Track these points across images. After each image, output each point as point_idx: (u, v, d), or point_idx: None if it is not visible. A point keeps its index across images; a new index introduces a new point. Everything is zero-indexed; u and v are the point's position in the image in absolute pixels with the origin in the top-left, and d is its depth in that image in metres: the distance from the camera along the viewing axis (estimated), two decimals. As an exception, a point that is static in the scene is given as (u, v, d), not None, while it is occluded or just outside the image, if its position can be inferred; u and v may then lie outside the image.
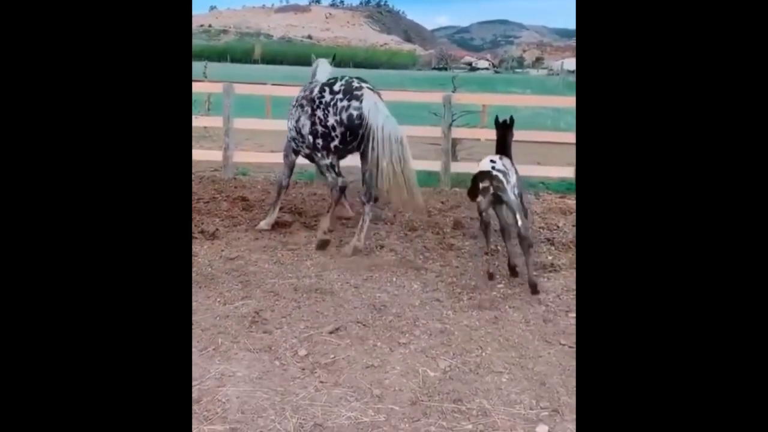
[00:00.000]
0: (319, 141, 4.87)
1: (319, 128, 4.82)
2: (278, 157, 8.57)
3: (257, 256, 4.63)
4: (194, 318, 3.44)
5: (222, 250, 4.74)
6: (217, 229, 5.29)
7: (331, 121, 4.74)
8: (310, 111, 4.86)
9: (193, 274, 4.17)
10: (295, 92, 5.99)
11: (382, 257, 4.76)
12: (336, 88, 4.81)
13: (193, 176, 7.90)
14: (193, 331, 3.28)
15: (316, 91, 4.90)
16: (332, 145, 4.86)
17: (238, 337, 3.25)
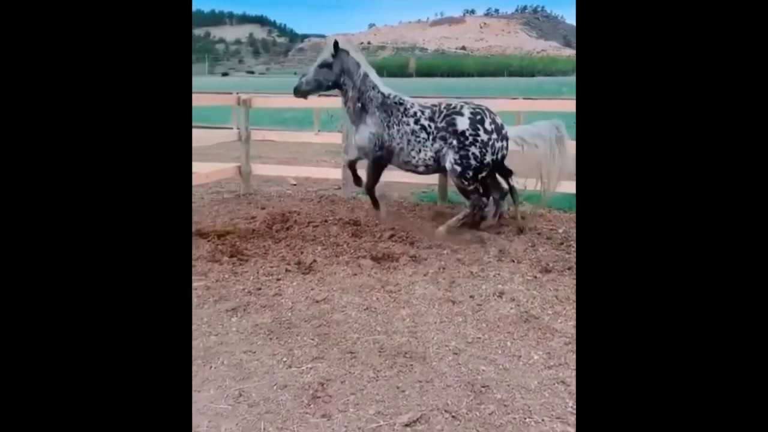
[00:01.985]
0: (470, 173, 5.40)
1: (473, 162, 5.36)
2: (403, 175, 8.00)
3: (348, 299, 3.95)
4: (245, 386, 2.83)
5: (311, 289, 4.14)
6: (314, 261, 4.72)
7: (488, 159, 5.40)
8: (457, 145, 5.35)
9: (269, 320, 3.60)
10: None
11: (498, 309, 3.80)
12: (487, 127, 5.37)
13: (313, 195, 7.56)
14: (237, 406, 2.66)
15: (460, 125, 5.36)
16: (480, 176, 5.51)
17: (287, 421, 2.55)
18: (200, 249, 4.98)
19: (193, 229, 5.67)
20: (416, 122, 5.51)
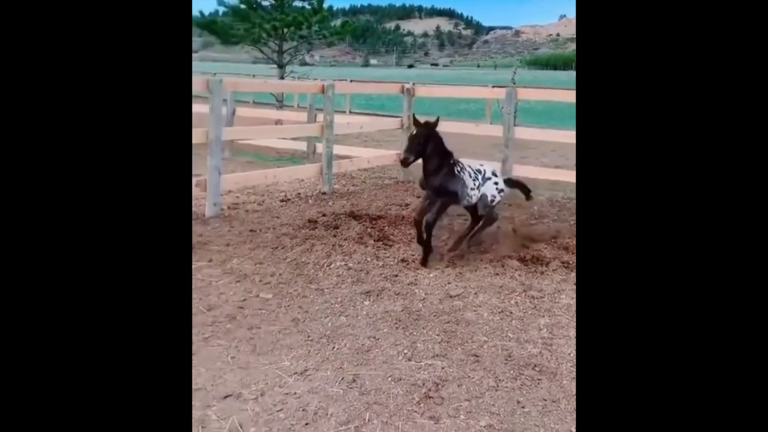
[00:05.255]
0: None
1: None
2: (561, 174, 7.49)
3: (483, 299, 3.73)
4: (361, 371, 2.80)
5: (448, 283, 4.00)
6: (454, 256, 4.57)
7: None
8: None
9: (400, 309, 3.55)
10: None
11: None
12: None
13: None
14: (348, 391, 2.65)
15: None
16: None
17: (394, 416, 2.46)
18: (351, 230, 5.12)
19: (348, 210, 5.88)
20: None
